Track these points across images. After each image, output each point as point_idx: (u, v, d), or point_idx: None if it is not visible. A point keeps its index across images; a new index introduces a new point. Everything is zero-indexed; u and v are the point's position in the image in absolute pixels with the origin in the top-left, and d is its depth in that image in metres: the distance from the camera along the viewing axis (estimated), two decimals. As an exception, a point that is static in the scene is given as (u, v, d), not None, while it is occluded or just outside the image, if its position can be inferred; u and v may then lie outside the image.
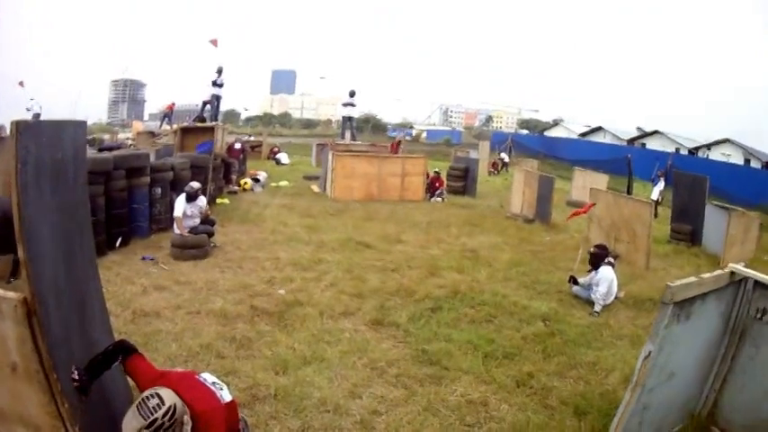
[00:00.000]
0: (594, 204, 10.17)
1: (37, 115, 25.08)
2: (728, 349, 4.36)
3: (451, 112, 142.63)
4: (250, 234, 11.12)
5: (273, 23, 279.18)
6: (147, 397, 2.84)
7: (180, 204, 9.46)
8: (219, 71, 18.23)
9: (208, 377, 3.30)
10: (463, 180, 20.38)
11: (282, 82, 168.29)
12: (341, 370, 5.34)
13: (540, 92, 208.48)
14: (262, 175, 19.71)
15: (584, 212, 10.21)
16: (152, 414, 2.76)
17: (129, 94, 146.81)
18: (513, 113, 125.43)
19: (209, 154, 13.85)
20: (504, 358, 5.86)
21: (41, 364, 2.98)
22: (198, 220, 9.58)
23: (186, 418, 2.92)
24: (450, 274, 8.88)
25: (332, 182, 17.14)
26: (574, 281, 8.34)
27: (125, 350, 3.33)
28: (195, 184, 9.87)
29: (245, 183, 17.99)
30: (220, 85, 18.51)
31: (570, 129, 67.76)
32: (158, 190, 10.91)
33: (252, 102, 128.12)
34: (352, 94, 20.63)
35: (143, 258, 8.97)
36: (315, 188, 18.65)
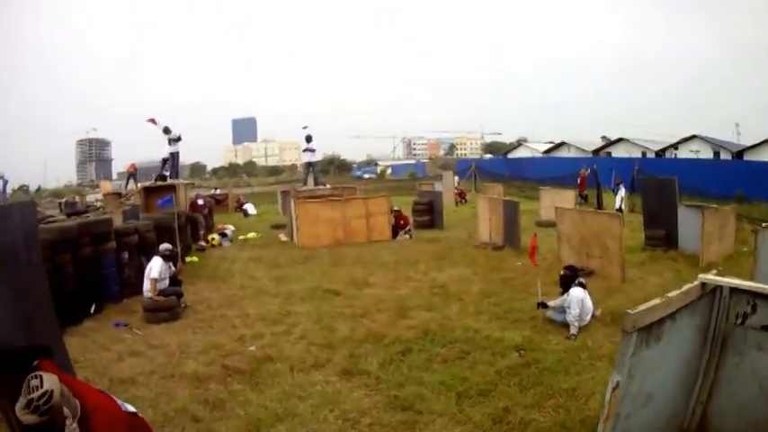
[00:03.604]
0: (536, 235, 9.91)
1: (5, 182, 25.28)
2: (711, 360, 4.25)
3: (414, 144, 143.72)
4: (219, 291, 11.13)
5: (228, 72, 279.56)
6: (32, 377, 2.88)
7: (156, 266, 9.50)
8: (166, 130, 18.62)
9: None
10: (429, 214, 20.46)
11: (243, 130, 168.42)
12: (313, 425, 5.35)
13: (502, 113, 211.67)
14: (229, 229, 19.68)
15: (535, 247, 9.57)
16: (30, 393, 2.81)
17: (95, 153, 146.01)
18: (476, 138, 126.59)
19: (172, 207, 13.90)
20: (478, 396, 5.81)
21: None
22: (167, 282, 9.63)
23: (67, 411, 2.92)
24: (420, 313, 8.89)
25: (297, 230, 17.17)
26: (543, 306, 8.27)
27: (42, 353, 3.33)
28: (169, 246, 10.08)
29: (213, 238, 17.95)
30: (175, 140, 18.72)
31: (533, 147, 67.74)
32: (125, 254, 10.91)
33: (215, 154, 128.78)
34: (308, 140, 20.71)
35: (116, 324, 8.98)
36: (282, 237, 18.68)
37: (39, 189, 78.13)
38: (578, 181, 22.76)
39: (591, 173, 22.74)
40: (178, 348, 7.72)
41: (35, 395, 2.81)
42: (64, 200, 30.72)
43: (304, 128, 20.93)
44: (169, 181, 18.21)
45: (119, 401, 3.31)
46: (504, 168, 49.01)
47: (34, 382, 2.85)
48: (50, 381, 2.89)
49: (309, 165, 21.55)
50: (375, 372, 6.61)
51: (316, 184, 21.11)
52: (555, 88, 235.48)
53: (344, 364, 6.89)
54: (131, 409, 3.34)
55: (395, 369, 6.69)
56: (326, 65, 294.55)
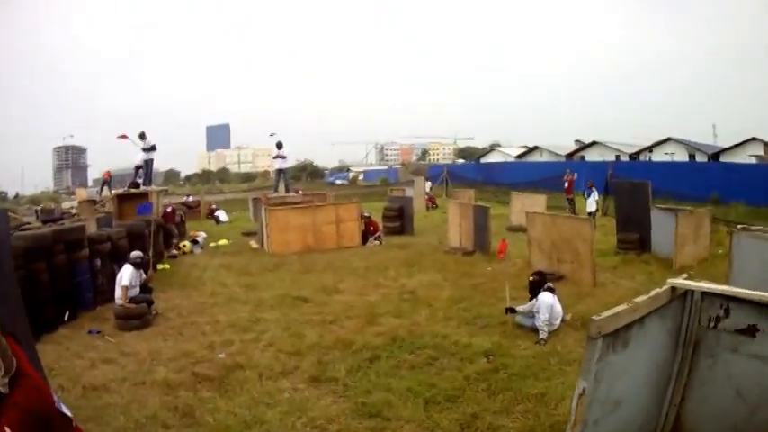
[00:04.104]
0: (505, 240, 9.87)
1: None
2: (683, 364, 4.22)
3: (387, 149, 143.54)
4: (190, 298, 11.14)
5: (202, 79, 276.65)
6: None
7: (127, 274, 9.56)
8: (142, 136, 18.53)
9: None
10: (399, 219, 20.45)
11: (217, 137, 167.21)
12: (281, 432, 5.40)
13: (475, 118, 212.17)
14: (201, 236, 19.58)
15: (504, 249, 9.45)
16: None
17: (71, 160, 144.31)
18: (449, 144, 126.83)
19: (151, 214, 13.94)
20: (446, 402, 5.85)
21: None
22: (138, 290, 9.68)
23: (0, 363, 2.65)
24: (389, 319, 8.97)
25: (268, 236, 17.16)
26: (512, 311, 8.27)
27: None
28: (139, 253, 10.11)
29: (184, 246, 17.86)
30: (149, 149, 18.66)
31: (506, 152, 67.95)
32: (98, 261, 10.93)
33: (189, 160, 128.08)
34: (279, 146, 20.60)
35: (89, 332, 9.00)
36: (253, 244, 18.61)
37: (17, 196, 77.51)
38: (565, 185, 22.96)
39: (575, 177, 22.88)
40: (149, 356, 7.77)
41: None
42: (40, 207, 30.47)
43: (272, 135, 20.96)
44: (142, 188, 18.14)
45: (56, 399, 3.05)
46: (476, 173, 49.16)
47: None
48: None
49: (281, 171, 21.43)
50: (343, 378, 6.66)
51: (287, 190, 21.10)
52: (540, 92, 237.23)
53: (312, 371, 6.94)
54: (66, 411, 3.06)
55: (363, 376, 6.74)
56: (301, 71, 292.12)
